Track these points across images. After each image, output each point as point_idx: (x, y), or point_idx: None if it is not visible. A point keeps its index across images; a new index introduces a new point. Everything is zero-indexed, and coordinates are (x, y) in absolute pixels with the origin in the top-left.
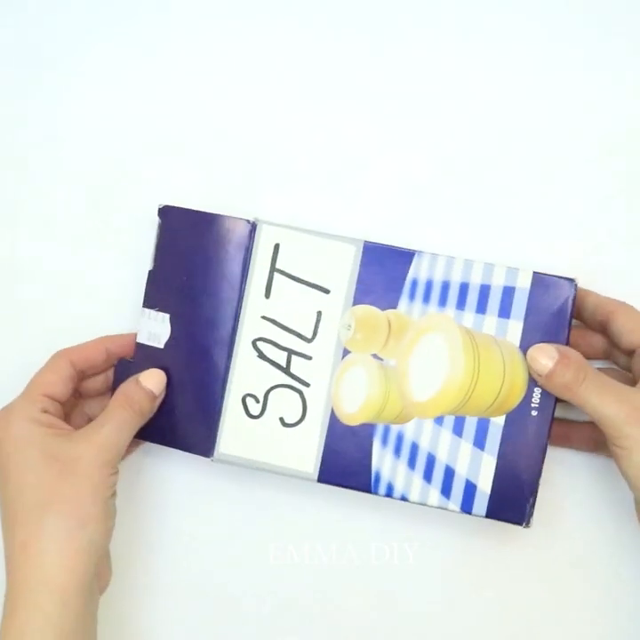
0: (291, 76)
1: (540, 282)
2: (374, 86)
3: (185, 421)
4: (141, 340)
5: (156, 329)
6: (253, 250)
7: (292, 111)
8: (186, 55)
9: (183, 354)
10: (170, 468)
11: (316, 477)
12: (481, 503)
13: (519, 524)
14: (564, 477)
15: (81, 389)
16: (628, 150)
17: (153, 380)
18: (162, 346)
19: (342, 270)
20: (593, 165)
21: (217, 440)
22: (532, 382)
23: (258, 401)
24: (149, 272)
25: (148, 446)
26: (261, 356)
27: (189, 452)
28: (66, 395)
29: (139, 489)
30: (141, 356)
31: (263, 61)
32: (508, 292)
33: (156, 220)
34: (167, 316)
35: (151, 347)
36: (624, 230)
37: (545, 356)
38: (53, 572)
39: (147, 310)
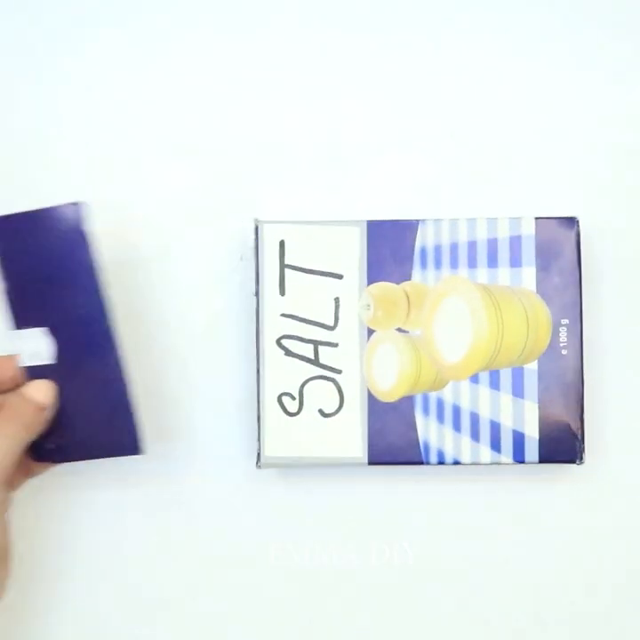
0: (282, 75)
1: (544, 226)
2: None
3: (99, 426)
4: (25, 362)
5: (35, 347)
6: (260, 250)
7: (286, 107)
8: (185, 52)
9: (74, 359)
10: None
11: (366, 461)
12: (532, 450)
13: (572, 462)
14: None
15: None
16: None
17: (40, 391)
18: (52, 360)
19: (351, 253)
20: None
21: (261, 445)
22: (557, 323)
23: (294, 398)
24: (5, 292)
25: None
26: (288, 353)
27: (117, 456)
28: None
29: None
30: (35, 378)
31: (261, 59)
32: (515, 242)
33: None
34: (43, 329)
35: (40, 366)
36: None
37: None
38: None
39: (17, 331)
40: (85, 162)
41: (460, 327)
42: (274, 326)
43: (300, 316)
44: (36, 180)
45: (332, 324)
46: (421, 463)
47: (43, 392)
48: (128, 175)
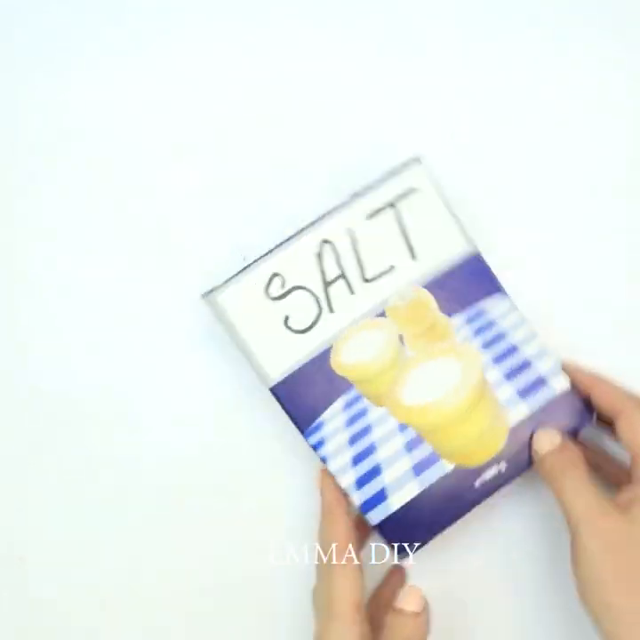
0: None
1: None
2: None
3: None
4: None
5: None
6: None
7: (286, 107)
8: (185, 52)
9: None
10: None
11: (271, 384)
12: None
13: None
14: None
15: None
16: None
17: (410, 602)
18: None
19: (448, 253)
20: None
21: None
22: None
23: (283, 286)
24: None
25: None
26: (319, 255)
27: None
28: None
29: None
30: None
31: (261, 58)
32: (539, 382)
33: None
34: None
35: None
36: None
37: (547, 439)
38: None
39: None
40: (85, 162)
41: (439, 385)
42: (332, 231)
43: (357, 247)
44: (35, 179)
45: (369, 277)
46: (300, 429)
47: (414, 601)
48: (128, 175)
